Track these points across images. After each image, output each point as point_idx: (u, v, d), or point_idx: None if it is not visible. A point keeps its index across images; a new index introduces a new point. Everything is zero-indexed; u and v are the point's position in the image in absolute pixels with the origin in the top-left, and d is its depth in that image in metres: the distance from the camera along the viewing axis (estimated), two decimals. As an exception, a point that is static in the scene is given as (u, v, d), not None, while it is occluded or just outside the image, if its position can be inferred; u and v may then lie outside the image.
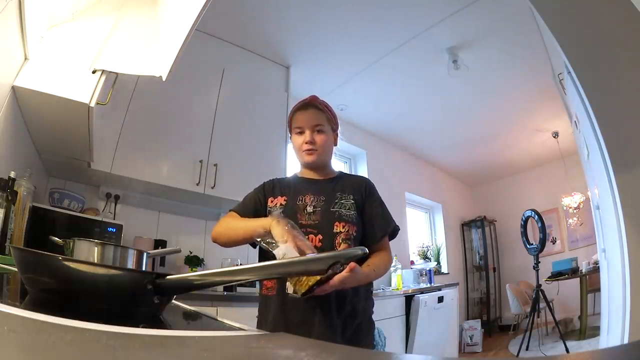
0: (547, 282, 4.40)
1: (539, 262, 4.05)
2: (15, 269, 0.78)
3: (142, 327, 0.33)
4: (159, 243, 2.43)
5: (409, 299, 3.19)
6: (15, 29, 1.35)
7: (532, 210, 4.24)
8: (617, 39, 1.57)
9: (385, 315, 2.87)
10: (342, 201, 1.11)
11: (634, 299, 1.69)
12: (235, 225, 1.08)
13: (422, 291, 3.39)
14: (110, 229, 2.11)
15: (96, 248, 0.61)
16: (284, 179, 1.25)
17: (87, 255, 0.60)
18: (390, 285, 3.64)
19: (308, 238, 1.04)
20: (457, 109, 4.07)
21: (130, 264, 0.64)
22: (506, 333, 5.12)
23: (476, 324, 4.63)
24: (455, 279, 4.90)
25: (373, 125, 4.32)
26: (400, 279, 3.63)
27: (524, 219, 4.35)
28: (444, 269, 5.11)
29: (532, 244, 4.19)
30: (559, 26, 1.69)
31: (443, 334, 3.55)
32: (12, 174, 1.41)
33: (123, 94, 2.16)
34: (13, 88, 1.45)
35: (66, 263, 0.44)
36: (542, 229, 4.07)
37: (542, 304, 4.00)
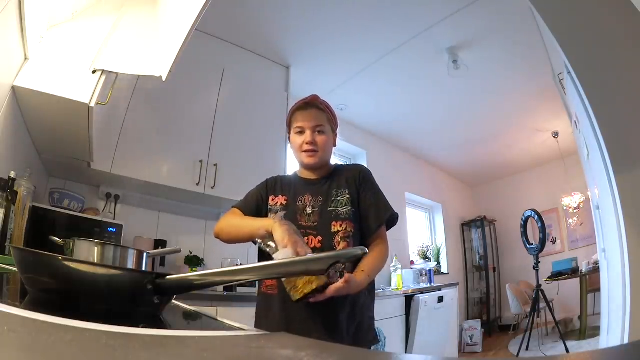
0: (547, 282, 4.40)
1: (539, 262, 4.05)
2: (15, 269, 0.78)
3: (142, 327, 0.33)
4: (159, 243, 2.43)
5: (409, 299, 3.19)
6: (15, 29, 1.35)
7: (532, 210, 4.24)
8: (617, 39, 1.57)
9: (385, 315, 2.87)
10: (338, 198, 1.11)
11: (634, 299, 1.69)
12: (238, 223, 1.09)
13: (422, 291, 3.39)
14: (110, 229, 2.11)
15: (96, 248, 0.61)
16: (286, 177, 1.25)
17: (87, 255, 0.60)
18: (390, 285, 3.64)
19: (308, 239, 1.05)
20: (457, 109, 4.07)
21: (130, 264, 0.64)
22: (506, 333, 5.12)
23: (476, 324, 4.63)
24: (455, 279, 4.90)
25: (373, 125, 4.32)
26: (400, 279, 3.63)
27: (524, 219, 4.35)
28: (444, 269, 5.11)
29: (532, 244, 4.19)
30: (559, 26, 1.69)
31: (443, 334, 3.55)
32: (12, 174, 1.40)
33: (123, 94, 2.16)
34: (13, 88, 1.45)
35: (66, 263, 0.44)
36: (542, 229, 4.07)
37: (542, 304, 4.00)
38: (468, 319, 5.06)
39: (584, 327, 3.98)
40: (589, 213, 3.21)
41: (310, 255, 0.44)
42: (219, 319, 0.55)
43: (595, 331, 3.62)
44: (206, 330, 0.50)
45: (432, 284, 3.85)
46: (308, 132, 1.14)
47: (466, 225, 5.95)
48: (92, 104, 1.55)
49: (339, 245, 1.04)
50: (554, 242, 5.35)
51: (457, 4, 2.64)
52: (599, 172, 1.89)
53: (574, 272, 4.30)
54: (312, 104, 1.17)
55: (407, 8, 2.67)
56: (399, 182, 4.63)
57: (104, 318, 0.31)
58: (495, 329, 5.39)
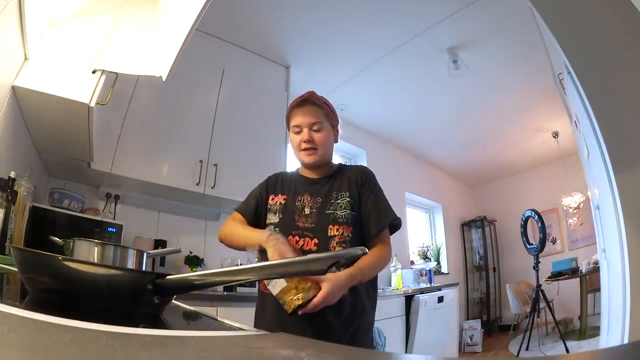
0: (547, 282, 4.40)
1: (539, 262, 4.05)
2: (15, 269, 0.78)
3: (142, 327, 0.33)
4: (159, 243, 2.43)
5: (409, 299, 3.19)
6: (15, 29, 1.35)
7: (532, 210, 4.24)
8: (617, 39, 1.57)
9: (385, 315, 2.87)
10: (338, 201, 1.08)
11: (634, 299, 1.69)
12: (236, 232, 1.10)
13: (422, 291, 3.39)
14: (110, 229, 2.11)
15: (96, 248, 0.61)
16: (287, 174, 1.23)
17: (87, 255, 0.60)
18: (390, 285, 3.64)
19: (304, 241, 1.04)
20: (458, 109, 4.07)
21: (130, 264, 0.64)
22: (506, 333, 5.12)
23: (476, 324, 4.63)
24: (455, 279, 4.90)
25: (373, 125, 4.32)
26: (400, 279, 3.63)
27: (524, 219, 4.35)
28: (444, 269, 5.11)
29: (532, 244, 4.19)
30: (559, 26, 1.69)
31: (443, 334, 3.55)
32: (12, 174, 1.40)
33: (123, 94, 2.16)
34: (13, 88, 1.45)
35: (66, 263, 0.44)
36: (542, 229, 4.07)
37: (542, 304, 4.00)
38: (468, 319, 5.06)
39: (584, 327, 3.98)
40: (589, 213, 3.21)
41: (311, 256, 0.44)
42: (219, 319, 0.55)
43: (595, 331, 3.62)
44: (206, 330, 0.50)
45: (432, 284, 3.85)
46: (305, 130, 1.11)
47: (466, 225, 5.95)
48: (92, 104, 1.55)
49: (333, 250, 1.02)
50: (554, 242, 5.35)
51: (457, 4, 2.64)
52: (599, 172, 1.89)
53: (574, 272, 4.30)
54: (309, 101, 1.14)
55: (407, 8, 2.67)
56: (399, 182, 4.63)
57: (104, 318, 0.31)
58: (495, 329, 5.39)
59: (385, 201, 1.11)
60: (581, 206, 4.81)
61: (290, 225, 1.08)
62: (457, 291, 4.18)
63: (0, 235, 1.32)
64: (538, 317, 4.03)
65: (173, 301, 0.69)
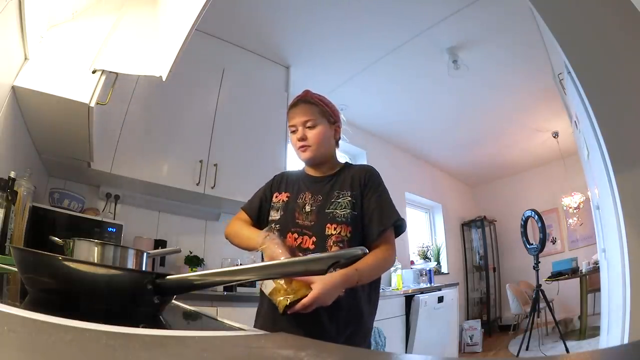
0: (547, 282, 4.40)
1: (539, 262, 4.05)
2: (15, 269, 0.78)
3: (142, 327, 0.33)
4: (159, 243, 2.43)
5: (409, 299, 3.19)
6: (15, 29, 1.35)
7: (532, 210, 4.24)
8: (617, 39, 1.57)
9: (385, 315, 2.87)
10: (339, 200, 1.07)
11: (634, 299, 1.69)
12: (240, 233, 1.11)
13: (422, 291, 3.39)
14: (110, 229, 2.11)
15: (96, 248, 0.61)
16: (293, 173, 1.23)
17: (87, 255, 0.60)
18: (390, 285, 3.64)
19: (303, 239, 1.04)
20: (458, 108, 4.07)
21: (130, 264, 0.64)
22: (506, 333, 5.12)
23: (476, 324, 4.63)
24: (455, 279, 4.90)
25: (373, 125, 4.32)
26: (400, 279, 3.63)
27: (524, 219, 4.35)
28: (444, 269, 5.11)
29: (532, 244, 4.19)
30: (559, 26, 1.69)
31: (443, 334, 3.55)
32: (12, 174, 1.40)
33: (123, 94, 2.16)
34: (13, 88, 1.45)
35: (66, 263, 0.44)
36: (542, 229, 4.07)
37: (542, 304, 4.00)
38: (468, 319, 5.06)
39: (584, 327, 3.98)
40: (589, 213, 3.21)
41: (311, 255, 0.44)
42: (219, 319, 0.55)
43: (595, 331, 3.62)
44: (206, 330, 0.50)
45: (432, 284, 3.85)
46: (300, 129, 1.12)
47: (466, 225, 5.95)
48: (92, 104, 1.55)
49: (330, 249, 1.00)
50: (554, 242, 5.35)
51: (457, 4, 2.64)
52: (599, 172, 1.89)
53: (574, 272, 4.30)
54: (302, 100, 1.15)
55: (407, 8, 2.67)
56: (399, 182, 4.63)
57: (104, 318, 0.31)
58: (495, 329, 5.39)
59: (389, 201, 1.09)
60: (581, 206, 4.81)
61: (290, 222, 1.07)
62: (457, 291, 4.18)
63: (0, 235, 1.32)
64: (538, 317, 4.03)
65: (173, 301, 0.69)
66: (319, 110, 1.13)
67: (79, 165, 2.08)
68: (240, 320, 0.52)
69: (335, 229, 1.02)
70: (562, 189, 5.02)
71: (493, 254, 5.87)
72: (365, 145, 4.26)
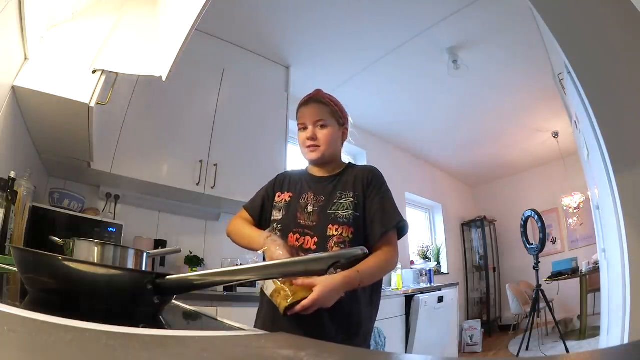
0: (547, 282, 4.40)
1: (539, 262, 4.05)
2: (15, 269, 0.78)
3: (142, 327, 0.33)
4: (159, 243, 2.43)
5: (409, 299, 3.19)
6: (15, 29, 1.35)
7: (532, 210, 4.24)
8: (617, 39, 1.57)
9: (385, 315, 2.87)
10: (341, 201, 1.06)
11: (634, 299, 1.69)
12: (242, 232, 1.12)
13: (422, 291, 3.39)
14: (110, 229, 2.11)
15: (96, 248, 0.61)
16: (296, 172, 1.22)
17: (87, 255, 0.60)
18: (390, 285, 3.64)
19: (304, 240, 1.04)
20: (458, 108, 4.07)
21: (130, 264, 0.64)
22: (506, 333, 5.12)
23: (476, 324, 4.63)
24: (455, 279, 4.90)
25: (373, 125, 4.32)
26: (400, 279, 3.63)
27: (524, 219, 4.35)
28: (444, 269, 5.11)
29: (532, 244, 4.19)
30: (559, 26, 1.69)
31: (443, 334, 3.55)
32: (12, 174, 1.40)
33: (123, 94, 2.16)
34: (13, 88, 1.45)
35: (66, 263, 0.44)
36: (542, 229, 4.07)
37: (542, 304, 4.00)
38: (468, 319, 5.06)
39: (584, 327, 3.98)
40: (589, 213, 3.21)
41: (311, 255, 0.44)
42: (219, 319, 0.55)
43: (595, 331, 3.62)
44: (206, 330, 0.50)
45: (432, 284, 3.85)
46: (310, 128, 1.12)
47: (466, 225, 5.95)
48: (92, 104, 1.55)
49: (331, 250, 0.99)
50: (554, 242, 5.35)
51: (457, 4, 2.64)
52: (599, 172, 1.89)
53: (574, 272, 4.30)
54: (314, 99, 1.15)
55: (407, 8, 2.67)
56: (399, 182, 4.63)
57: (104, 318, 0.31)
58: (495, 329, 5.39)
59: (392, 203, 1.08)
60: (581, 206, 4.81)
61: (292, 222, 1.07)
62: (457, 291, 4.18)
63: (0, 235, 1.32)
64: (538, 317, 4.03)
65: (173, 301, 0.69)
66: (330, 110, 1.14)
67: (79, 165, 2.08)
68: (240, 320, 0.52)
69: (337, 230, 1.02)
70: (562, 189, 5.02)
71: (493, 254, 5.87)
72: (365, 145, 4.26)
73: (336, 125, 1.15)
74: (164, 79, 1.46)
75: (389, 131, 4.50)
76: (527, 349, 3.85)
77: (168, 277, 0.46)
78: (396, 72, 3.41)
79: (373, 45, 3.07)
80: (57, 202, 2.06)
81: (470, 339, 4.50)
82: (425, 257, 4.82)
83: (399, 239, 1.08)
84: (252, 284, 2.12)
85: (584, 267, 4.16)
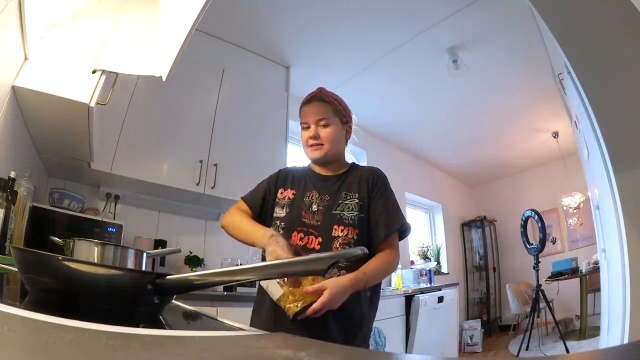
0: (547, 282, 4.40)
1: (539, 262, 4.05)
2: (15, 269, 0.78)
3: (142, 327, 0.33)
4: (159, 243, 2.43)
5: (409, 299, 3.19)
6: (15, 29, 1.35)
7: (532, 210, 4.24)
8: (617, 39, 1.57)
9: (385, 315, 2.87)
10: (347, 201, 1.06)
11: (634, 299, 1.69)
12: (240, 225, 1.08)
13: (422, 291, 3.39)
14: (110, 229, 2.11)
15: (96, 248, 0.61)
16: (299, 169, 1.21)
17: (87, 255, 0.60)
18: (390, 285, 3.64)
19: (309, 239, 1.03)
20: (458, 108, 4.07)
21: (130, 264, 0.64)
22: (506, 333, 5.12)
23: (476, 324, 4.63)
24: (455, 279, 4.90)
25: (373, 125, 4.32)
26: (400, 279, 3.63)
27: (524, 219, 4.35)
28: (444, 269, 5.11)
29: (532, 244, 4.19)
30: (559, 26, 1.69)
31: (443, 334, 3.55)
32: (12, 174, 1.40)
33: (123, 94, 2.16)
34: (13, 88, 1.45)
35: (66, 263, 0.44)
36: (542, 229, 4.07)
37: (542, 304, 4.00)
38: (468, 319, 5.06)
39: (584, 327, 3.98)
40: (589, 213, 3.21)
41: (311, 255, 0.44)
42: (219, 319, 0.55)
43: (595, 331, 3.62)
44: (206, 330, 0.50)
45: (432, 284, 3.85)
46: (312, 126, 1.10)
47: (466, 225, 5.95)
48: (92, 104, 1.55)
49: (336, 251, 1.01)
50: (554, 242, 5.35)
51: (457, 4, 2.64)
52: (599, 172, 1.89)
53: (574, 272, 4.30)
54: (317, 97, 1.13)
55: (407, 8, 2.67)
56: (399, 182, 4.63)
57: (104, 318, 0.31)
58: (495, 329, 5.39)
59: (396, 205, 1.09)
60: (581, 206, 4.81)
61: (296, 220, 1.06)
62: (457, 291, 4.17)
63: (0, 235, 1.32)
64: (538, 317, 4.03)
65: (173, 301, 0.69)
66: (333, 109, 1.12)
67: (79, 165, 2.08)
68: (240, 320, 0.52)
69: (342, 230, 1.02)
70: (562, 189, 5.02)
71: (493, 254, 5.87)
72: (365, 145, 4.26)
73: (339, 123, 1.13)
74: (164, 79, 1.46)
75: (389, 131, 4.50)
76: (527, 349, 3.85)
77: (168, 277, 0.46)
78: (396, 72, 3.41)
79: (373, 45, 3.07)
80: (57, 202, 2.06)
81: (470, 339, 4.50)
82: (425, 257, 4.82)
83: (400, 240, 1.09)
84: (252, 284, 2.12)
85: (584, 267, 4.16)
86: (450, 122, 4.36)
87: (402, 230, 1.07)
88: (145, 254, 0.69)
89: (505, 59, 3.19)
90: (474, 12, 2.68)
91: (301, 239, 1.04)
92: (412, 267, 4.39)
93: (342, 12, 2.71)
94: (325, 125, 1.10)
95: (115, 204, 2.41)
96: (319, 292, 0.87)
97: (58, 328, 0.26)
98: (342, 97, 1.23)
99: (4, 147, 1.48)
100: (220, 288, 2.04)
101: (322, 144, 1.10)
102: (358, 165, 1.20)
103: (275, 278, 0.98)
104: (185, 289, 0.48)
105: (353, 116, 1.21)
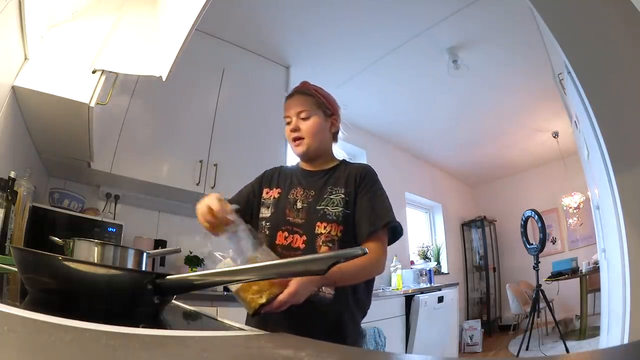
0: (547, 282, 4.40)
1: (539, 262, 4.05)
2: (15, 269, 0.78)
3: (142, 327, 0.33)
4: (159, 243, 2.43)
5: (409, 299, 3.19)
6: (15, 29, 1.35)
7: (532, 210, 4.24)
8: (617, 39, 1.57)
9: (385, 315, 2.87)
10: (332, 197, 1.01)
11: (634, 299, 1.69)
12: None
13: (422, 291, 3.39)
14: (110, 229, 2.11)
15: (96, 248, 0.61)
16: (287, 168, 1.19)
17: (87, 255, 0.60)
18: (390, 285, 3.64)
19: (293, 238, 0.99)
20: (458, 108, 4.07)
21: (130, 264, 0.64)
22: (506, 333, 5.12)
23: (476, 324, 4.63)
24: (455, 279, 4.90)
25: (373, 125, 4.32)
26: (400, 279, 3.63)
27: (524, 219, 4.35)
28: (444, 269, 5.11)
29: (532, 244, 4.19)
30: (559, 26, 1.69)
31: (443, 334, 3.55)
32: (12, 174, 1.41)
33: (123, 94, 2.16)
34: (13, 88, 1.45)
35: (66, 263, 0.44)
36: (542, 229, 4.07)
37: (542, 304, 4.00)
38: (468, 319, 5.05)
39: (584, 327, 3.98)
40: (589, 213, 3.21)
41: (310, 256, 0.44)
42: (219, 319, 0.55)
43: (595, 331, 3.62)
44: (206, 330, 0.50)
45: (432, 284, 3.85)
46: (293, 119, 1.07)
47: (466, 225, 5.94)
48: (92, 104, 1.55)
49: (319, 249, 0.95)
50: (554, 242, 5.35)
51: (457, 4, 2.63)
52: (599, 172, 1.89)
53: (574, 272, 4.30)
54: (299, 91, 1.10)
55: (407, 8, 2.67)
56: (399, 182, 4.63)
57: (104, 318, 0.31)
58: (495, 329, 5.39)
59: (383, 201, 1.01)
60: (581, 206, 4.81)
61: (281, 220, 1.03)
62: (457, 291, 4.18)
63: (0, 235, 1.32)
64: (538, 317, 4.03)
65: (173, 301, 0.69)
66: (315, 101, 1.08)
67: (79, 165, 2.08)
68: (240, 320, 0.52)
69: (325, 227, 0.97)
70: (562, 189, 5.02)
71: (493, 254, 5.87)
72: (365, 145, 4.26)
73: (322, 115, 1.08)
74: (164, 79, 1.46)
75: (389, 131, 4.50)
76: (527, 349, 3.85)
77: (168, 277, 0.46)
78: (396, 72, 3.41)
79: (373, 45, 3.07)
80: (57, 202, 2.06)
81: (470, 339, 4.49)
82: (425, 257, 4.82)
83: (394, 241, 1.03)
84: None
85: (584, 267, 4.16)
86: (450, 122, 4.35)
87: (392, 229, 0.99)
88: (145, 254, 0.69)
89: (505, 59, 3.19)
90: (474, 12, 2.68)
91: (285, 238, 1.00)
92: (412, 267, 4.39)
93: (342, 12, 2.70)
94: (305, 118, 1.06)
95: (115, 204, 2.41)
96: (286, 283, 0.77)
97: (58, 328, 0.26)
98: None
99: (4, 147, 1.48)
100: (220, 288, 2.04)
101: (302, 137, 1.06)
102: (349, 162, 1.15)
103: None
104: (185, 289, 0.48)
105: (340, 109, 1.16)
